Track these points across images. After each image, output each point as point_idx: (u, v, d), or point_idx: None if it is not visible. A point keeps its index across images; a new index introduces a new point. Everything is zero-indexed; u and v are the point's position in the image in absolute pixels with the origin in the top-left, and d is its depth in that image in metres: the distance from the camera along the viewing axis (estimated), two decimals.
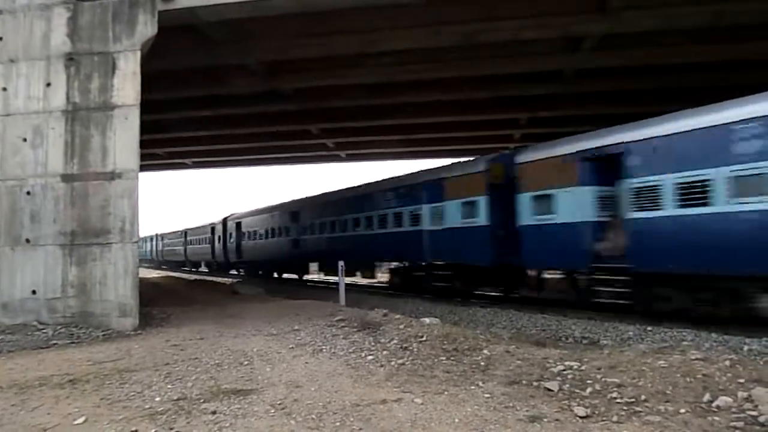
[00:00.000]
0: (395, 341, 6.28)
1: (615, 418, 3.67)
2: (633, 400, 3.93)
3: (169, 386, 4.81)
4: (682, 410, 3.69)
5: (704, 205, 8.31)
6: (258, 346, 6.53)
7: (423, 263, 14.67)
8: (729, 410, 3.62)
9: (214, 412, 4.02)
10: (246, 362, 5.71)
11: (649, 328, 8.14)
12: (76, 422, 3.94)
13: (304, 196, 23.52)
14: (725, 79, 13.04)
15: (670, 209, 8.76)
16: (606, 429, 3.52)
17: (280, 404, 4.19)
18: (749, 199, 7.78)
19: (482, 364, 5.24)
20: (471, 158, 14.89)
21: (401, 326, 6.88)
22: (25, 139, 8.95)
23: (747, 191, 7.80)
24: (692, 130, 8.61)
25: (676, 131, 8.84)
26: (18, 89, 9.06)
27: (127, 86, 8.95)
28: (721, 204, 8.09)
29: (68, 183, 8.87)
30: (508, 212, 11.86)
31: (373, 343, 6.34)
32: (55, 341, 7.53)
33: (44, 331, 8.09)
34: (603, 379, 4.37)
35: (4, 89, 9.08)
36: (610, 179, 10.08)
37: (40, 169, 8.91)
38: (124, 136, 8.88)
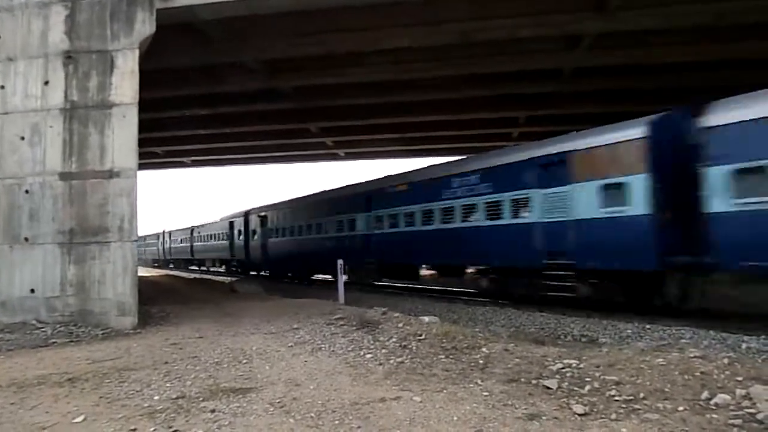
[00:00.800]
0: (394, 340, 6.28)
1: (613, 416, 3.67)
2: (631, 397, 3.93)
3: (168, 385, 4.81)
4: (681, 408, 3.69)
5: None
6: (257, 345, 6.53)
7: (235, 260, 29.76)
8: (727, 408, 3.62)
9: (213, 411, 4.02)
10: (245, 361, 5.71)
11: (647, 327, 8.15)
12: (75, 421, 3.93)
13: (199, 222, 38.17)
14: (725, 79, 13.03)
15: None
16: (604, 427, 3.52)
17: (279, 402, 4.19)
18: None
19: (481, 362, 5.24)
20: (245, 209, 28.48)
21: (400, 325, 6.88)
22: (23, 138, 8.93)
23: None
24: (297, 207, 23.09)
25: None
26: (16, 87, 9.03)
27: (125, 84, 8.94)
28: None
29: (66, 181, 8.85)
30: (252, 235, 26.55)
31: (372, 342, 6.34)
32: (54, 340, 7.53)
33: (43, 329, 8.08)
34: (601, 377, 4.37)
35: (2, 87, 9.05)
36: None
37: (39, 167, 8.90)
38: (122, 134, 8.87)
